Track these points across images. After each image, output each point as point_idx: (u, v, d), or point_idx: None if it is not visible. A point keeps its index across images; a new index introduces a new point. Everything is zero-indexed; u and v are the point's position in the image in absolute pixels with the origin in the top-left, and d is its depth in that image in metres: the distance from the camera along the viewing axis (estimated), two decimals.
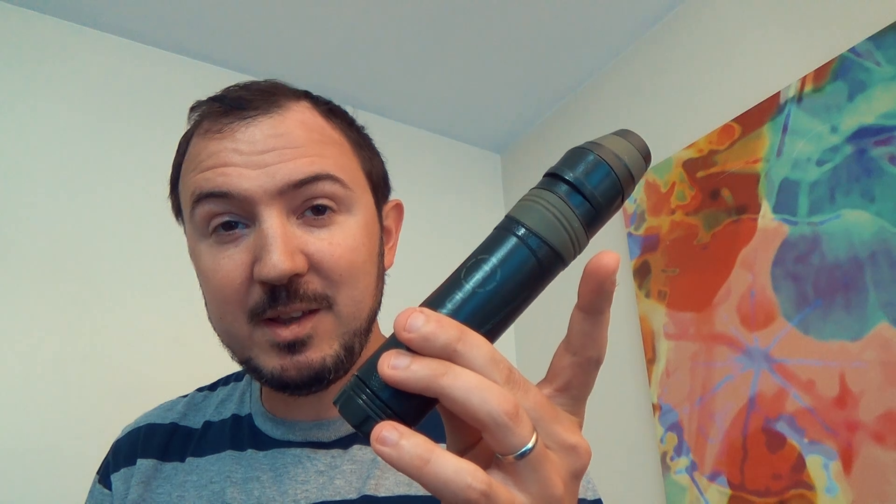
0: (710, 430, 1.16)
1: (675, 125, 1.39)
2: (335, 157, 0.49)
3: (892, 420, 0.90)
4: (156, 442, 0.57)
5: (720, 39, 1.32)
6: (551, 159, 1.81)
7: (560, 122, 1.80)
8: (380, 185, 0.56)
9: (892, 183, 0.95)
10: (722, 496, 1.11)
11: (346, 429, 0.53)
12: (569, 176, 0.29)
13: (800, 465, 1.00)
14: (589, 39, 1.54)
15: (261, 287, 0.45)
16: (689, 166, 1.30)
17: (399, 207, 0.61)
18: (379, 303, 0.54)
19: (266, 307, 0.46)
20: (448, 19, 1.46)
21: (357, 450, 0.53)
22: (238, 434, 0.55)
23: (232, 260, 0.46)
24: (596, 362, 0.29)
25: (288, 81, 0.54)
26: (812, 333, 1.02)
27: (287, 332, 0.46)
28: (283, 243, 0.44)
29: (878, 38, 1.00)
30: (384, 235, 0.57)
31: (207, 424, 0.58)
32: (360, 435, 0.31)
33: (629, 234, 1.43)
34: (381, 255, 0.54)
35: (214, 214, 0.47)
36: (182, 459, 0.55)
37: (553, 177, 0.30)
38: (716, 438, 1.14)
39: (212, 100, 0.50)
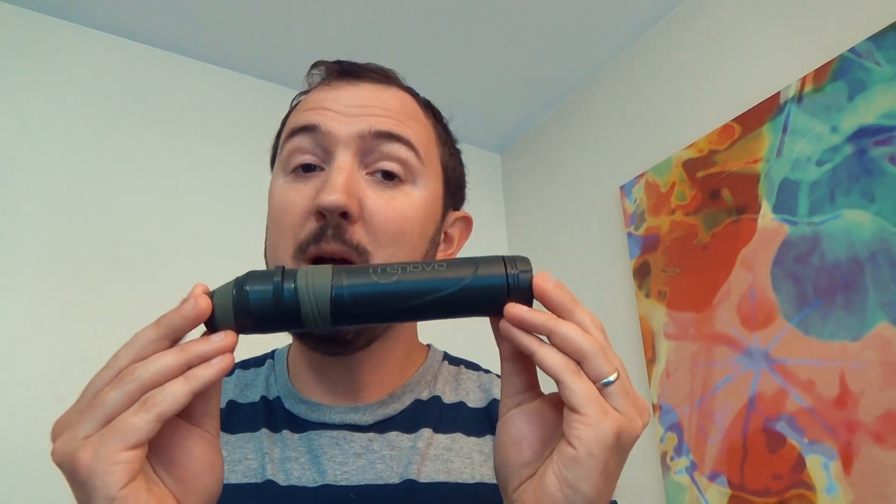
0: (710, 430, 1.16)
1: (675, 125, 1.39)
2: (419, 133, 0.54)
3: (892, 420, 0.90)
4: None
5: (720, 39, 1.32)
6: (551, 159, 1.81)
7: (560, 122, 1.79)
8: (452, 183, 0.60)
9: (892, 183, 0.95)
10: (722, 496, 1.11)
11: (381, 413, 0.54)
12: None
13: (800, 465, 1.00)
14: (589, 39, 1.54)
15: (314, 220, 0.48)
16: (689, 166, 1.30)
17: (467, 221, 0.63)
18: None
19: (311, 241, 0.48)
20: (448, 20, 1.46)
21: (395, 436, 0.53)
22: (271, 415, 0.55)
23: (299, 193, 0.50)
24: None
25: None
26: (812, 333, 1.02)
27: None
28: (346, 180, 0.48)
29: (878, 38, 1.00)
30: (444, 241, 0.59)
31: (233, 404, 0.57)
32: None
33: (629, 234, 1.43)
34: (435, 244, 0.56)
35: (300, 151, 0.51)
36: None
37: None
38: (716, 438, 1.14)
39: (333, 62, 0.57)
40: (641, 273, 1.37)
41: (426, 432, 0.53)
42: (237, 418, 0.55)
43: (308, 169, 0.51)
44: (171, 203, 1.41)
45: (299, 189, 0.50)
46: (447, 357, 0.63)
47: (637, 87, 1.53)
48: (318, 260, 0.48)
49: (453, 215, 0.61)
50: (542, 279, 0.37)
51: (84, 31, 1.41)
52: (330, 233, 0.48)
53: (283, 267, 0.37)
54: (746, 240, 1.15)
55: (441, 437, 0.54)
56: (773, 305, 1.09)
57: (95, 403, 0.32)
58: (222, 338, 0.35)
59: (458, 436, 0.54)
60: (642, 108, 1.50)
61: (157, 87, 1.47)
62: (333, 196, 0.46)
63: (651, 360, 1.31)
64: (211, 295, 0.35)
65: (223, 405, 0.57)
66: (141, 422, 0.31)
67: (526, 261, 0.37)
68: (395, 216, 0.50)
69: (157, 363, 0.33)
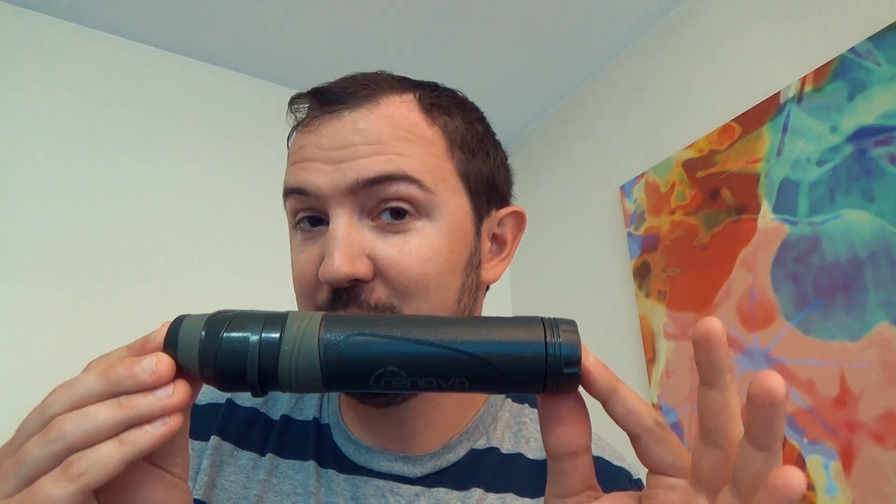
0: None
1: (675, 125, 1.39)
2: (419, 157, 0.46)
3: (892, 420, 0.90)
4: (234, 423, 0.53)
5: (720, 39, 1.32)
6: (552, 159, 1.81)
7: (560, 122, 1.79)
8: (483, 189, 0.51)
9: (892, 183, 0.95)
10: None
11: (432, 465, 0.50)
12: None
13: (800, 465, 1.00)
14: (589, 39, 1.54)
15: (326, 288, 0.44)
16: (689, 166, 1.30)
17: (518, 216, 0.56)
18: None
19: (329, 308, 0.44)
20: (448, 20, 1.46)
21: (443, 493, 0.49)
22: (321, 446, 0.52)
23: (307, 255, 0.46)
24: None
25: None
26: (812, 333, 1.02)
27: None
28: (344, 246, 0.43)
29: (878, 38, 1.00)
30: (497, 245, 0.54)
31: (287, 420, 0.53)
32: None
33: (629, 234, 1.43)
34: (474, 266, 0.50)
35: (298, 209, 0.47)
36: (262, 453, 0.51)
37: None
38: None
39: (309, 93, 0.49)
40: (641, 273, 1.37)
41: (476, 493, 0.49)
42: (290, 439, 0.52)
43: (315, 222, 0.47)
44: (171, 203, 1.41)
45: (308, 250, 0.47)
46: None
47: (637, 87, 1.53)
48: None
49: (498, 215, 0.53)
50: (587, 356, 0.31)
51: (84, 31, 1.41)
52: (344, 299, 0.44)
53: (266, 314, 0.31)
54: (746, 240, 1.15)
55: (492, 497, 0.49)
56: (773, 305, 1.09)
57: (20, 457, 0.28)
58: (169, 393, 0.29)
59: (511, 497, 0.49)
60: (642, 108, 1.50)
61: (157, 87, 1.47)
62: (333, 270, 0.42)
63: (651, 360, 1.31)
64: (178, 326, 0.31)
65: (277, 417, 0.54)
66: (61, 493, 0.27)
67: (571, 325, 0.31)
68: (412, 262, 0.44)
69: (87, 421, 0.28)
